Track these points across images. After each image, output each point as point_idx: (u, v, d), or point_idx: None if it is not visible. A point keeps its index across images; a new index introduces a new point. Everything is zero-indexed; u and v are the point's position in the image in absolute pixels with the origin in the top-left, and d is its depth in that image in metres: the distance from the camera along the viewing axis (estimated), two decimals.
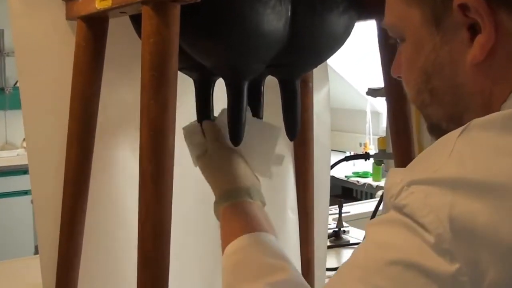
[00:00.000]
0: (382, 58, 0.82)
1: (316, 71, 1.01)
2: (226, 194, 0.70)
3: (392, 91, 0.82)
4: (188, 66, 0.76)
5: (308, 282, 0.63)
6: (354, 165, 4.01)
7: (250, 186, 0.72)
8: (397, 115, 0.83)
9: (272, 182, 1.09)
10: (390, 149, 1.36)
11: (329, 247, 1.59)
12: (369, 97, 1.66)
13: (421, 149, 1.40)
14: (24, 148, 2.77)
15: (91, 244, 0.88)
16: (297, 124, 0.81)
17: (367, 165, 3.76)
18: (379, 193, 2.82)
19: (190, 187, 0.97)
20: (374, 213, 1.57)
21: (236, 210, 0.69)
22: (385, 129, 1.86)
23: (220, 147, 0.75)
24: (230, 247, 0.65)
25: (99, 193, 0.89)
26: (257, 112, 0.81)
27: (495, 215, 0.41)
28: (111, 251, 0.92)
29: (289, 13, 0.71)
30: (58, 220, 0.86)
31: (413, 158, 0.84)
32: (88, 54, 0.82)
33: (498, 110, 0.48)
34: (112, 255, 0.92)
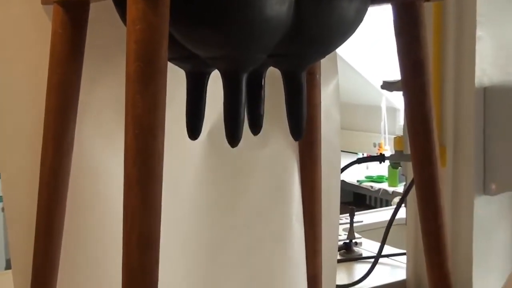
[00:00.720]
0: (399, 47, 0.82)
1: (324, 62, 1.01)
2: None
3: (410, 84, 0.82)
4: (179, 56, 0.75)
5: None
6: (367, 168, 4.02)
7: None
8: (416, 111, 0.83)
9: (275, 188, 1.09)
10: (408, 150, 1.36)
11: (339, 261, 1.59)
12: (385, 91, 1.66)
13: (443, 151, 1.40)
14: None
15: (70, 258, 0.88)
16: (303, 122, 0.80)
17: (382, 168, 3.77)
18: (396, 200, 2.81)
19: (182, 194, 0.97)
20: (389, 223, 1.57)
21: None
22: (402, 127, 1.85)
23: None
24: None
25: (79, 199, 0.88)
26: (257, 108, 0.80)
27: None
28: (92, 265, 0.91)
29: None
30: (33, 230, 0.85)
31: (434, 161, 0.83)
32: (66, 43, 0.81)
33: None
34: (94, 270, 0.91)
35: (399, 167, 1.69)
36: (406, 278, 1.55)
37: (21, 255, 0.86)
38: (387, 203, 3.53)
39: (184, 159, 0.98)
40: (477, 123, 1.35)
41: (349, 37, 0.78)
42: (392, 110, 4.31)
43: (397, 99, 4.10)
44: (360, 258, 1.69)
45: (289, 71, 0.79)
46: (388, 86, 1.55)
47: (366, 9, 0.78)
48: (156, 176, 0.65)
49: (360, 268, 1.63)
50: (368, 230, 2.01)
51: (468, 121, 1.36)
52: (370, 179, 3.90)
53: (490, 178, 1.37)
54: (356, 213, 1.85)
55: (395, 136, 1.66)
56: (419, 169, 0.84)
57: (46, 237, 0.85)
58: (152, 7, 0.63)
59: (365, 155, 4.02)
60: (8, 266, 3.04)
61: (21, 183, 0.86)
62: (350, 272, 1.62)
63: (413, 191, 1.36)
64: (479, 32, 1.34)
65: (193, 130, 0.80)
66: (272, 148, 1.08)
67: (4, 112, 0.85)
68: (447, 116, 1.38)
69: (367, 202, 4.01)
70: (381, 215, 2.20)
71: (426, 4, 0.82)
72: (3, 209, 0.89)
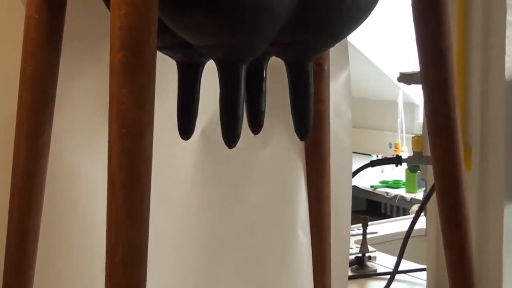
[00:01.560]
0: (418, 34, 0.82)
1: (334, 51, 1.01)
2: None
3: (431, 76, 0.82)
4: (169, 45, 0.76)
5: None
6: (382, 172, 4.02)
7: None
8: (437, 107, 0.83)
9: (278, 195, 1.09)
10: (428, 152, 1.36)
11: (350, 277, 1.59)
12: (402, 84, 1.66)
13: (468, 152, 1.40)
14: None
15: (45, 274, 0.88)
16: (309, 120, 0.81)
17: (399, 172, 3.76)
18: (414, 208, 2.81)
19: (173, 201, 0.97)
20: (407, 235, 1.57)
21: None
22: (421, 125, 1.86)
23: None
24: None
25: (56, 208, 0.89)
26: (258, 104, 0.81)
27: None
28: (71, 282, 0.91)
29: None
30: (3, 243, 0.85)
31: (458, 164, 0.84)
32: (42, 30, 0.81)
33: None
34: (73, 287, 0.91)
35: (418, 171, 1.69)
36: None
37: None
38: (405, 212, 3.53)
39: (175, 162, 0.98)
40: (507, 121, 1.35)
41: (362, 22, 0.78)
42: (410, 106, 4.32)
43: (416, 93, 4.11)
44: (374, 274, 1.69)
45: (293, 61, 0.79)
46: (405, 78, 1.55)
47: None
48: (144, 181, 0.65)
49: (375, 286, 1.63)
50: (383, 243, 2.01)
51: (497, 119, 1.36)
52: (386, 184, 3.90)
53: None
54: (369, 223, 1.85)
55: (413, 135, 1.66)
56: (441, 173, 0.84)
57: (19, 251, 0.85)
58: None
59: (379, 157, 4.03)
60: None
61: None
62: None
63: (434, 198, 1.36)
64: (509, 17, 1.34)
65: (185, 128, 0.80)
66: (274, 149, 1.08)
67: None
68: (473, 113, 1.38)
69: (382, 210, 4.02)
70: (398, 225, 2.21)
71: None
72: None
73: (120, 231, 0.65)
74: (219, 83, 0.73)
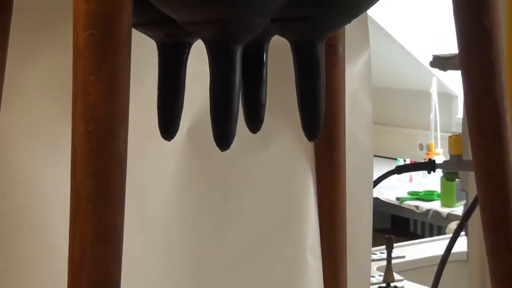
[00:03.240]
0: (455, 7, 0.82)
1: (351, 30, 1.02)
2: None
3: (473, 59, 0.83)
4: (148, 22, 0.76)
5: None
6: (411, 180, 4.03)
7: None
8: (481, 99, 0.83)
9: (281, 209, 1.09)
10: (469, 155, 1.36)
11: None
12: (436, 70, 1.66)
13: None
14: None
15: None
16: (320, 115, 0.81)
17: (432, 181, 3.77)
18: (452, 226, 2.82)
19: (153, 216, 0.98)
20: (443, 260, 1.58)
21: None
22: (461, 122, 1.86)
23: None
24: None
25: (3, 226, 0.89)
26: (256, 95, 0.81)
27: None
28: None
29: None
30: None
31: (508, 170, 0.84)
32: None
33: None
34: None
35: (457, 179, 1.70)
36: None
37: None
38: (440, 231, 3.54)
39: (156, 168, 0.98)
40: None
41: None
42: (446, 97, 4.33)
43: (454, 81, 4.11)
44: None
45: (301, 42, 0.80)
46: (440, 63, 1.55)
47: None
48: (116, 192, 0.65)
49: None
50: (413, 269, 2.02)
51: None
52: (415, 196, 3.91)
53: None
54: (395, 244, 1.86)
55: (450, 134, 1.67)
56: (486, 182, 0.85)
57: None
58: None
59: (407, 161, 4.03)
60: None
61: None
62: None
63: (476, 213, 1.36)
64: None
65: (167, 126, 0.80)
66: (277, 151, 1.08)
67: None
68: None
69: (411, 229, 4.03)
70: (432, 247, 2.21)
71: None
72: None
73: (86, 255, 0.65)
74: (210, 69, 0.73)
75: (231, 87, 0.73)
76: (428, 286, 1.63)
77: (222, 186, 1.05)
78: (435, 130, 4.22)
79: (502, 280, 0.85)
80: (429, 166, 1.69)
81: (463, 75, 0.84)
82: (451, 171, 1.67)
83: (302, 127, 0.81)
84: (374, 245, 1.23)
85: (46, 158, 0.91)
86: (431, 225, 3.81)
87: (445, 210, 3.67)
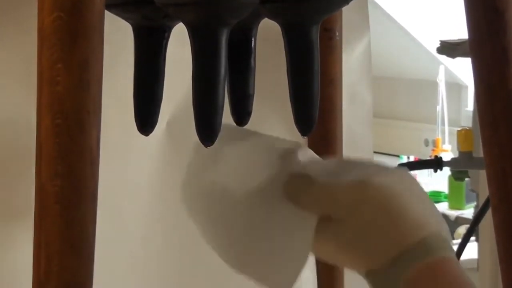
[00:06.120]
0: None
1: (348, 12, 1.02)
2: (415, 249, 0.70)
3: (484, 45, 0.83)
4: (123, 2, 0.76)
5: None
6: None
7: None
8: (493, 89, 0.83)
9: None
10: (480, 152, 1.37)
11: None
12: (443, 57, 1.67)
13: None
14: None
15: None
16: (314, 107, 0.81)
17: (439, 180, 3.78)
18: (461, 230, 2.83)
19: (129, 220, 0.98)
20: None
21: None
22: (471, 115, 1.87)
23: None
24: None
25: None
26: (244, 85, 0.81)
27: None
28: None
29: None
30: None
31: None
32: None
33: None
34: None
35: (466, 179, 1.70)
36: None
37: None
38: None
39: (133, 166, 0.98)
40: None
41: None
42: (455, 88, 4.33)
43: (463, 69, 4.12)
44: None
45: (293, 25, 0.79)
46: (448, 49, 1.56)
47: None
48: (88, 193, 0.65)
49: None
50: None
51: None
52: None
53: None
54: None
55: (459, 128, 1.67)
56: (499, 181, 0.85)
57: None
58: None
59: (412, 158, 4.03)
60: None
61: None
62: None
63: (488, 217, 1.37)
64: None
65: (145, 120, 0.80)
66: None
67: None
68: None
69: None
70: None
71: None
72: None
73: (53, 264, 0.64)
74: (192, 56, 0.73)
75: (216, 76, 0.72)
76: None
77: None
78: (442, 124, 4.21)
79: None
80: (436, 163, 1.69)
81: (473, 62, 0.84)
82: (460, 169, 1.67)
83: (294, 120, 0.81)
84: None
85: (8, 154, 0.91)
86: None
87: (453, 213, 3.67)
